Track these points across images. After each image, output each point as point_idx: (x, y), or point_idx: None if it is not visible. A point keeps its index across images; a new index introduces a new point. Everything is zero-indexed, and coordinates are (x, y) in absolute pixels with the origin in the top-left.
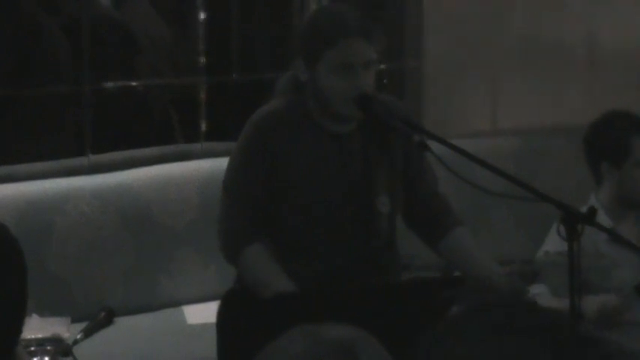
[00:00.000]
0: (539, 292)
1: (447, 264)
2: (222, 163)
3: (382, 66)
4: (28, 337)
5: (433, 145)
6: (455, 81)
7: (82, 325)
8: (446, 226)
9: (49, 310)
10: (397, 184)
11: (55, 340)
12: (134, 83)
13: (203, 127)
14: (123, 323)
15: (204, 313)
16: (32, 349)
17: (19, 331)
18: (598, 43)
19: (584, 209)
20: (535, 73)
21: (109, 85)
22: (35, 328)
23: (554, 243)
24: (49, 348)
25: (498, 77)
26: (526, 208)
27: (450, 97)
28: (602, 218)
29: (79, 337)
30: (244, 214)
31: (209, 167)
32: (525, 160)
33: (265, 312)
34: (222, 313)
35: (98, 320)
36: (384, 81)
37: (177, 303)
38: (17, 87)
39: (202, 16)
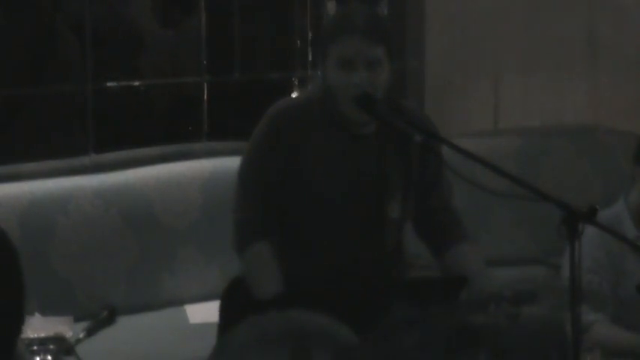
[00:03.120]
0: (595, 319)
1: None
2: (224, 163)
3: None
4: (31, 336)
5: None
6: (456, 81)
7: (85, 324)
8: (452, 240)
9: (51, 309)
10: (411, 192)
11: (58, 339)
12: (136, 83)
13: (205, 126)
14: (125, 322)
15: (206, 312)
16: (35, 348)
17: (19, 332)
18: (598, 42)
19: (611, 209)
20: (536, 74)
21: (112, 84)
22: (38, 327)
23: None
24: (51, 347)
25: (500, 77)
26: (527, 207)
27: (451, 97)
28: (627, 224)
29: (81, 336)
30: (256, 207)
31: (211, 166)
32: (527, 160)
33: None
34: (225, 300)
35: (101, 319)
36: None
37: (180, 302)
38: (20, 87)
39: (203, 16)
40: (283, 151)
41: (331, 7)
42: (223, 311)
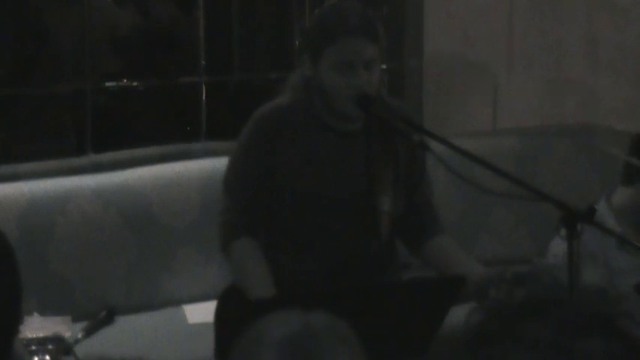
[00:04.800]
0: None
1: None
2: (222, 162)
3: (383, 66)
4: (30, 336)
5: (433, 144)
6: (455, 80)
7: (84, 324)
8: (429, 233)
9: (50, 309)
10: (400, 186)
11: (57, 339)
12: (135, 83)
13: (204, 126)
14: (124, 322)
15: (205, 312)
16: (33, 348)
17: (15, 333)
18: (597, 42)
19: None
20: (535, 73)
21: (111, 84)
22: (36, 327)
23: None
24: (50, 347)
25: (498, 77)
26: (526, 207)
27: (450, 97)
28: (610, 223)
29: (80, 336)
30: (238, 208)
31: (210, 166)
32: (525, 160)
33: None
34: (220, 310)
35: (99, 319)
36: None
37: (179, 302)
38: (19, 86)
39: (202, 15)
40: (269, 155)
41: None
42: (219, 319)
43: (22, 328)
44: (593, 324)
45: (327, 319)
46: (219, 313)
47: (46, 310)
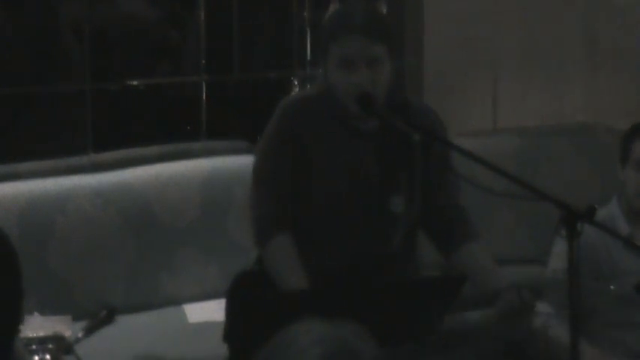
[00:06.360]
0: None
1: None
2: (222, 162)
3: None
4: (30, 335)
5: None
6: (455, 80)
7: (84, 324)
8: (460, 239)
9: (50, 308)
10: (415, 189)
11: (57, 339)
12: (135, 82)
13: (204, 125)
14: (124, 321)
15: (205, 312)
16: (33, 347)
17: (15, 333)
18: (597, 42)
19: (605, 210)
20: (535, 73)
21: (111, 84)
22: (37, 326)
23: (560, 257)
24: (50, 346)
25: (499, 76)
26: (526, 207)
27: (450, 97)
28: (621, 223)
29: (80, 335)
30: (275, 201)
31: (210, 166)
32: (525, 159)
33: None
34: (233, 292)
35: (99, 318)
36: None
37: (179, 301)
38: (18, 87)
39: (203, 15)
40: (296, 142)
41: (334, 9)
42: (230, 306)
43: (22, 327)
44: (507, 350)
45: (355, 330)
46: (232, 296)
47: (46, 309)
